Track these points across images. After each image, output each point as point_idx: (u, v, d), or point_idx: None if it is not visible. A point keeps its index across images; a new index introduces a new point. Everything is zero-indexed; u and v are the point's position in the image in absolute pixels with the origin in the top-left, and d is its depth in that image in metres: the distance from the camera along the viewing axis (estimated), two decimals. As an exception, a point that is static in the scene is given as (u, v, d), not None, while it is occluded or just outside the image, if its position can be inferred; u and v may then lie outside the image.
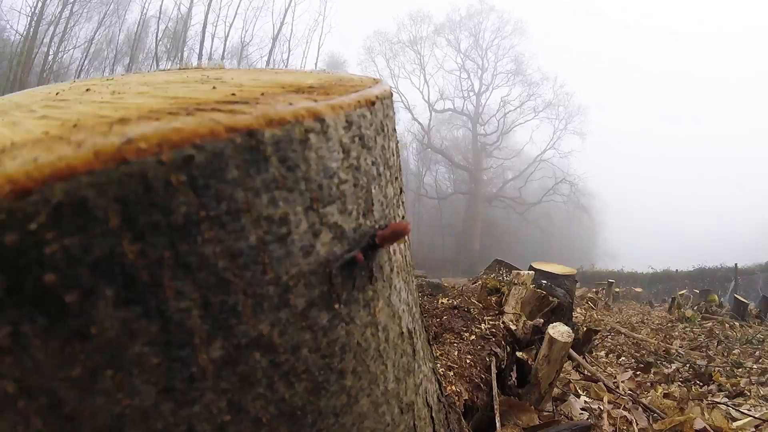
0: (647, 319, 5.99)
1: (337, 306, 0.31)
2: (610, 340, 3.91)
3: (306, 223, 0.28)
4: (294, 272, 0.27)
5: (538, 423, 1.42)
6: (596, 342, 3.40)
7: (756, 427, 1.83)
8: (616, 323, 4.97)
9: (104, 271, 0.21)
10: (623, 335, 4.17)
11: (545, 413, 1.63)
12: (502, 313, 1.92)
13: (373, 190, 0.34)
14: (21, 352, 0.19)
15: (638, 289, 10.69)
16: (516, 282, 2.00)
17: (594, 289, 7.96)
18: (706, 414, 1.84)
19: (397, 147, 0.44)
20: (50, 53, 20.84)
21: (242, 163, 0.24)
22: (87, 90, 0.43)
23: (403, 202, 0.47)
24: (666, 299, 8.65)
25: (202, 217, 0.23)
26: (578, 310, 5.40)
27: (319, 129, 0.27)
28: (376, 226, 0.34)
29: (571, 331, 1.67)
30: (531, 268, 2.59)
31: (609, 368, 2.91)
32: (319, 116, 0.27)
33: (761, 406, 2.18)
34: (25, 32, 19.86)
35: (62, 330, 0.20)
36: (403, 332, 0.43)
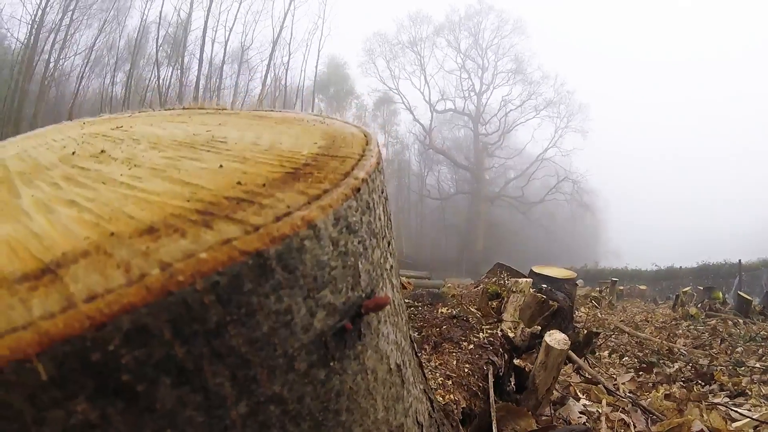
0: (651, 317, 5.97)
1: (332, 363, 0.39)
2: (613, 340, 3.90)
3: (305, 308, 0.35)
4: (297, 345, 0.35)
5: (535, 428, 1.46)
6: (599, 342, 3.40)
7: (755, 428, 1.84)
8: (620, 322, 4.97)
9: (163, 367, 0.30)
10: (627, 334, 4.19)
11: (543, 418, 1.67)
12: (500, 320, 1.98)
13: (359, 265, 0.41)
14: (106, 425, 0.28)
15: (642, 287, 10.64)
16: (514, 290, 2.06)
17: (598, 288, 7.97)
18: (704, 415, 1.86)
19: (384, 208, 0.51)
20: (51, 61, 20.93)
21: (254, 278, 0.32)
22: (102, 152, 0.47)
23: (392, 253, 0.53)
24: (670, 297, 8.63)
25: (227, 321, 0.31)
26: (582, 309, 5.41)
27: (312, 235, 0.35)
28: (363, 296, 0.42)
29: (567, 338, 1.70)
30: (531, 272, 2.64)
31: (611, 369, 2.93)
32: (312, 223, 0.34)
33: (762, 406, 2.17)
34: (25, 40, 19.90)
35: (136, 408, 0.29)
36: (391, 368, 0.51)
